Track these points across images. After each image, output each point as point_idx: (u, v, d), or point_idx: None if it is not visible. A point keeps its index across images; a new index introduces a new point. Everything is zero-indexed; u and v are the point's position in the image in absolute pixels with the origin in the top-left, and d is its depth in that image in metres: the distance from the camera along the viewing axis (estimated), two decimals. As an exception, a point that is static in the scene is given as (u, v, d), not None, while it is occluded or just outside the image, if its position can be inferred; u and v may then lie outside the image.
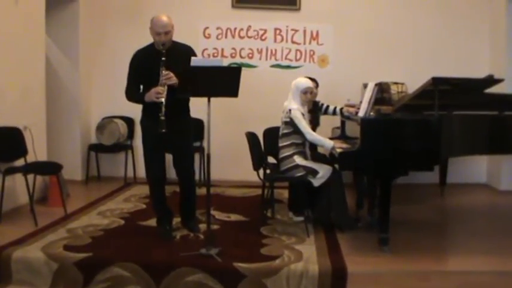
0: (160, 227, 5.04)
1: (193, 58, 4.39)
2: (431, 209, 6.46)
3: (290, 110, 5.16)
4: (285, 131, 5.25)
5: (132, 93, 4.82)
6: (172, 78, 4.53)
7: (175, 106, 4.61)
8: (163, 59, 4.56)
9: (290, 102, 5.25)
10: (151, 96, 4.58)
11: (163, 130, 4.55)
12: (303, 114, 5.19)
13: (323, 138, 5.17)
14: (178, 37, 4.85)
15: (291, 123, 5.16)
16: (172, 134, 4.67)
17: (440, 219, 6.16)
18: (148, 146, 4.94)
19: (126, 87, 4.86)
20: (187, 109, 4.94)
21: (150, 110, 4.67)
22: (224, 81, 4.38)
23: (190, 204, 5.09)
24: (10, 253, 4.34)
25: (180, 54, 4.69)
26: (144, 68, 4.69)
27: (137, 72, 4.76)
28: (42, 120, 6.46)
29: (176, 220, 5.18)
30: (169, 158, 4.99)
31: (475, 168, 7.67)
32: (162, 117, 4.54)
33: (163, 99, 4.53)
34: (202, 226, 5.01)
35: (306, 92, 5.30)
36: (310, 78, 5.64)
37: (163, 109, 4.53)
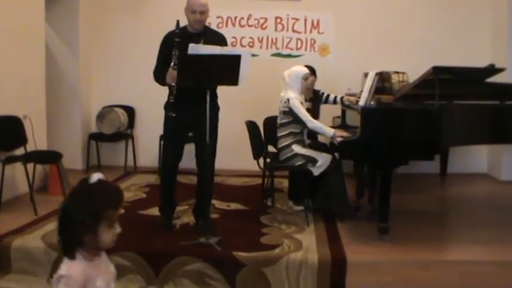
0: (162, 215, 5.02)
1: (190, 45, 4.27)
2: (432, 199, 6.46)
3: (288, 100, 5.15)
4: (283, 121, 5.24)
5: (159, 75, 4.70)
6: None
7: (197, 92, 4.45)
8: (177, 40, 4.46)
9: (287, 91, 5.24)
10: (167, 79, 4.50)
11: (173, 114, 4.51)
12: (301, 103, 5.18)
13: (324, 126, 5.16)
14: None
15: (290, 112, 5.15)
16: (194, 121, 4.63)
17: (441, 209, 6.16)
18: (167, 131, 4.84)
19: (154, 69, 4.77)
20: (212, 95, 4.65)
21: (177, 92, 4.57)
22: (224, 69, 4.33)
23: (204, 200, 4.74)
24: (10, 242, 4.35)
25: (210, 39, 4.56)
26: (171, 50, 4.51)
27: (165, 55, 4.63)
28: (42, 109, 6.45)
29: (177, 209, 5.16)
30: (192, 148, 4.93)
31: (475, 158, 7.65)
32: (172, 100, 4.51)
33: (173, 83, 4.47)
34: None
35: (306, 78, 5.32)
36: (308, 67, 5.62)
37: (174, 92, 4.49)
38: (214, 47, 4.40)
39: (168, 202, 5.01)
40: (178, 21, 4.56)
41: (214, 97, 4.73)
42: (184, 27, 4.66)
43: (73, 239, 2.17)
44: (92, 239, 2.20)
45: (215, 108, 4.69)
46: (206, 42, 4.48)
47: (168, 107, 4.59)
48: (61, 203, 2.23)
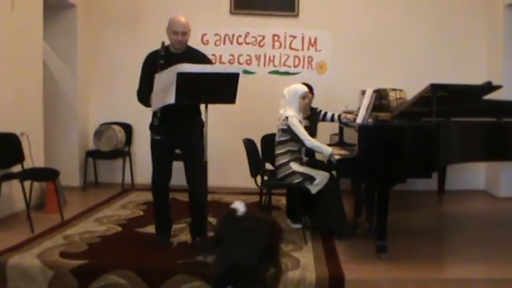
0: (158, 234, 4.99)
1: (182, 64, 4.25)
2: (430, 216, 6.45)
3: (287, 118, 5.15)
4: (282, 139, 5.24)
5: (142, 97, 4.71)
6: None
7: (181, 110, 4.48)
8: (161, 62, 4.45)
9: (286, 109, 5.25)
10: (152, 105, 4.47)
11: (158, 137, 4.52)
12: (300, 122, 5.19)
13: (321, 145, 5.17)
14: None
15: (288, 130, 5.15)
16: (179, 140, 4.64)
17: (439, 227, 6.15)
18: (155, 151, 4.82)
19: (138, 89, 4.78)
20: (195, 113, 4.70)
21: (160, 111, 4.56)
22: (221, 87, 4.33)
23: (199, 217, 4.76)
24: (6, 260, 4.31)
25: (192, 59, 4.53)
26: (156, 70, 4.45)
27: (148, 75, 4.57)
28: (40, 126, 6.45)
29: (174, 227, 5.14)
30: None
31: (473, 174, 7.66)
32: (156, 123, 4.51)
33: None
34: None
35: (304, 97, 5.33)
36: (306, 85, 5.63)
37: (158, 115, 4.48)
38: (205, 66, 4.41)
39: (163, 222, 4.98)
40: (163, 43, 4.58)
41: (197, 113, 4.73)
42: (167, 47, 4.68)
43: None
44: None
45: (200, 125, 4.66)
46: (188, 62, 4.41)
47: (153, 129, 4.57)
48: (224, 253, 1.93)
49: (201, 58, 4.75)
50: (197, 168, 4.57)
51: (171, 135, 4.62)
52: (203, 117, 4.47)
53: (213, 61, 7.51)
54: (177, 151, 4.87)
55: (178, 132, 4.61)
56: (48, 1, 6.56)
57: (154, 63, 4.51)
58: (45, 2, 6.46)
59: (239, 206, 1.93)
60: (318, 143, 5.17)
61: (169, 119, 4.52)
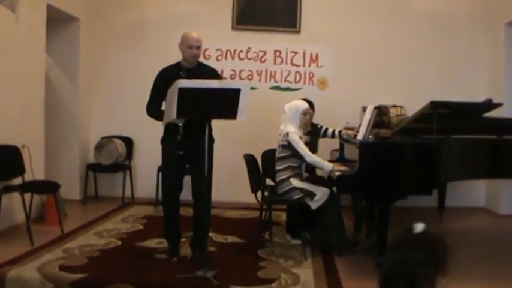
0: (168, 243, 5.04)
1: (181, 80, 4.30)
2: (430, 233, 6.41)
3: (287, 134, 5.17)
4: (282, 155, 5.25)
5: (153, 110, 4.82)
6: None
7: (194, 124, 4.57)
8: (182, 74, 4.63)
9: (286, 125, 5.26)
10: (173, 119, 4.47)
11: (181, 152, 4.58)
12: (300, 138, 5.20)
13: (322, 161, 5.18)
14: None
15: (288, 146, 5.16)
16: (190, 155, 4.69)
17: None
18: (166, 166, 4.95)
19: (148, 103, 4.88)
20: (207, 128, 4.62)
21: (170, 130, 4.65)
22: (223, 102, 4.36)
23: (201, 233, 4.80)
24: (5, 272, 4.30)
25: (204, 74, 4.68)
26: (168, 85, 4.46)
27: (161, 90, 4.68)
28: (41, 139, 6.47)
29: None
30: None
31: (473, 191, 7.65)
32: (179, 139, 4.57)
33: (180, 123, 4.54)
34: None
35: (305, 113, 5.35)
36: (306, 101, 5.65)
37: (181, 131, 4.55)
38: (213, 81, 4.45)
39: (173, 233, 5.02)
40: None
41: (210, 130, 4.75)
42: (179, 63, 4.84)
43: None
44: None
45: (210, 141, 4.70)
46: (201, 77, 4.52)
47: (176, 145, 4.60)
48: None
49: (213, 73, 4.91)
50: (205, 184, 4.59)
51: (185, 148, 4.66)
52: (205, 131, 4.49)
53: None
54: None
55: (192, 145, 4.64)
56: (52, 14, 6.60)
57: (168, 78, 4.58)
58: (49, 16, 6.51)
59: (419, 225, 2.10)
60: (318, 159, 5.18)
61: (185, 134, 4.59)
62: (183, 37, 4.78)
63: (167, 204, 5.00)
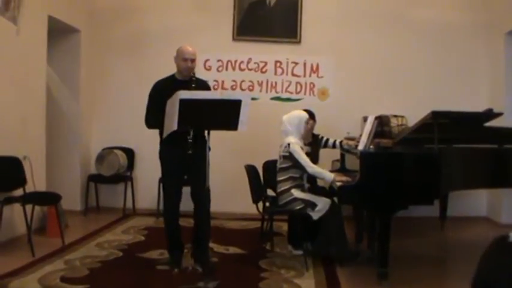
0: (170, 255, 5.04)
1: (182, 91, 4.30)
2: (432, 243, 6.42)
3: (289, 144, 5.17)
4: (283, 165, 5.25)
5: (152, 119, 4.88)
6: None
7: (195, 135, 4.66)
8: (193, 85, 4.73)
9: (287, 136, 5.27)
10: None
11: (190, 152, 4.60)
12: (301, 148, 5.21)
13: (323, 171, 5.18)
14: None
15: (290, 157, 5.16)
16: (189, 165, 4.74)
17: (441, 254, 6.11)
18: (167, 177, 5.00)
19: (146, 115, 4.95)
20: (207, 139, 4.65)
21: (171, 140, 4.60)
22: (224, 114, 4.37)
23: (203, 243, 4.92)
24: (6, 284, 4.29)
25: (197, 86, 4.81)
26: (164, 97, 4.52)
27: (157, 102, 4.73)
28: (42, 150, 6.47)
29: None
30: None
31: (475, 201, 7.64)
32: (190, 140, 4.61)
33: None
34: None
35: (307, 122, 5.38)
36: (307, 111, 5.67)
37: (191, 133, 4.61)
38: (214, 92, 4.49)
39: (175, 244, 5.03)
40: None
41: (208, 139, 4.76)
42: (173, 75, 4.97)
43: None
44: None
45: (207, 150, 4.70)
46: (196, 88, 4.70)
47: (187, 145, 4.63)
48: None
49: (204, 85, 5.03)
50: (204, 192, 4.65)
51: (183, 157, 4.68)
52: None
53: (215, 87, 7.57)
54: None
55: (191, 156, 4.66)
56: (53, 26, 6.62)
57: (162, 90, 4.70)
58: (50, 27, 6.53)
59: None
60: (320, 170, 5.19)
61: (181, 141, 4.62)
62: (178, 51, 4.92)
63: (168, 214, 5.01)
